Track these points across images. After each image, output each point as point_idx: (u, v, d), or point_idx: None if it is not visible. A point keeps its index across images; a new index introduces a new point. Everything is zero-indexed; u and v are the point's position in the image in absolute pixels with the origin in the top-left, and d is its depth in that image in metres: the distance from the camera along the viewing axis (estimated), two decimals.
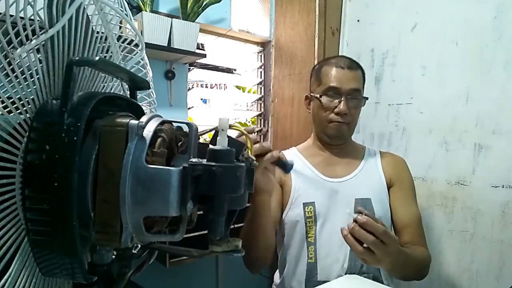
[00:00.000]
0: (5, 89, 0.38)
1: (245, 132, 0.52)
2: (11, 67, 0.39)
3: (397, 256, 0.80)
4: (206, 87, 2.09)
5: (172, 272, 1.60)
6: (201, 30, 1.62)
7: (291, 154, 1.16)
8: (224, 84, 2.18)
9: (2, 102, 0.38)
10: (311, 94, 1.12)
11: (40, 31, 0.41)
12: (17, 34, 0.39)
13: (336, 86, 1.04)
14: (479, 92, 1.25)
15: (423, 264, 0.99)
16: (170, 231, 0.45)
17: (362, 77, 1.10)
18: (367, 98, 1.09)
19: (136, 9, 1.43)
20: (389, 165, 1.13)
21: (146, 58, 0.66)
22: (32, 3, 0.40)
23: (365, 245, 0.75)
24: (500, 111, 1.20)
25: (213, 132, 0.48)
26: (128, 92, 0.58)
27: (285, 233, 1.08)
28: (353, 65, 1.08)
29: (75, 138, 0.39)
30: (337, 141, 1.11)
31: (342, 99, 1.03)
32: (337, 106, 1.04)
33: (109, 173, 0.40)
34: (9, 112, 0.39)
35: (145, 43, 0.70)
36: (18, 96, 0.40)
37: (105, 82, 0.58)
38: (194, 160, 0.40)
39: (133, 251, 0.49)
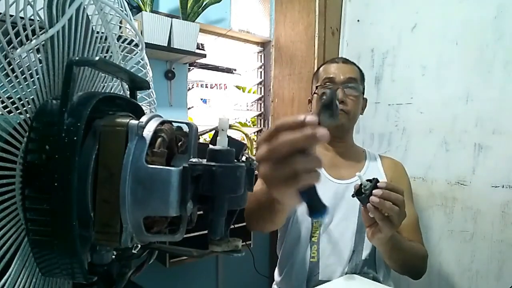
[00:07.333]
0: (5, 89, 0.38)
1: (246, 132, 0.52)
2: (11, 67, 0.39)
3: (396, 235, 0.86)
4: (206, 87, 2.09)
5: (172, 272, 1.60)
6: (201, 30, 1.62)
7: None
8: (224, 84, 2.18)
9: (2, 102, 0.38)
10: (311, 93, 1.16)
11: (40, 31, 0.41)
12: (17, 34, 0.39)
13: (332, 76, 1.09)
14: (479, 92, 1.25)
15: (420, 256, 0.99)
16: (170, 231, 0.45)
17: (359, 71, 1.14)
18: (364, 87, 1.13)
19: (136, 9, 1.44)
20: (389, 168, 1.16)
21: (146, 58, 0.66)
22: (32, 3, 0.40)
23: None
24: (500, 111, 1.20)
25: (213, 132, 0.48)
26: (128, 92, 0.58)
27: (290, 231, 1.09)
28: (349, 61, 1.14)
29: (75, 138, 0.39)
30: (337, 132, 1.11)
31: (339, 87, 1.07)
32: None
33: (109, 173, 0.40)
34: (9, 112, 0.39)
35: (145, 43, 0.70)
36: (18, 96, 0.40)
37: (105, 82, 0.58)
38: (194, 160, 0.40)
39: (133, 251, 0.49)
